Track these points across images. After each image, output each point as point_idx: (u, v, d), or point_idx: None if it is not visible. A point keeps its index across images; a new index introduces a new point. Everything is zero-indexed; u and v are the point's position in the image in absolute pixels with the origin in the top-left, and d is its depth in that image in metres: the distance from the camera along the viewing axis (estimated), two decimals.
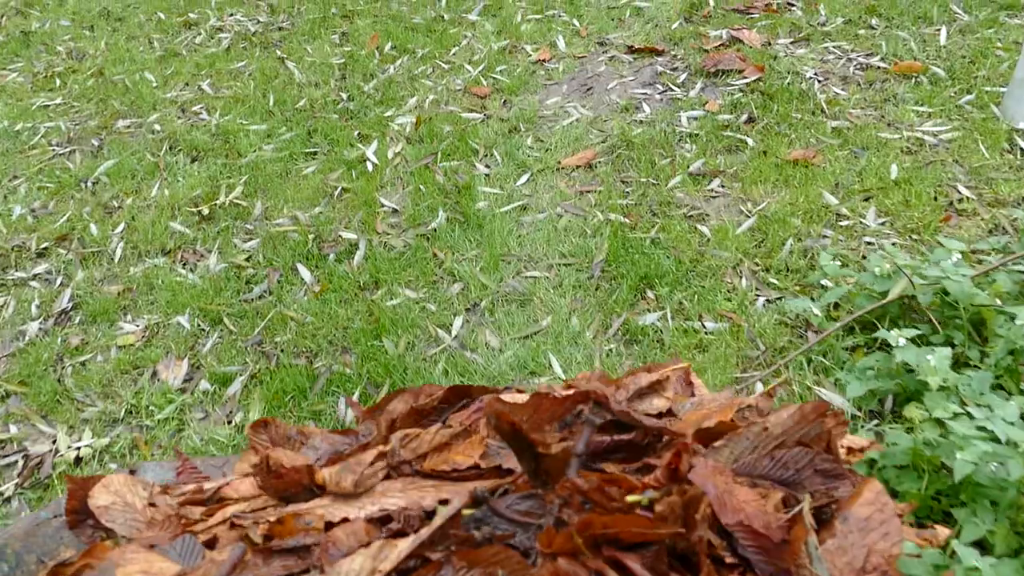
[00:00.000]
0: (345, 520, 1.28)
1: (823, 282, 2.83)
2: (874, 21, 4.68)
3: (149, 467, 1.63)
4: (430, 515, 1.25)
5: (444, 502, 1.27)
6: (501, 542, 1.12)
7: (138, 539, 1.40)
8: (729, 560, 1.16)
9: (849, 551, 1.22)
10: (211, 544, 1.34)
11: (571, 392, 1.46)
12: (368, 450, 1.39)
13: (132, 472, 1.62)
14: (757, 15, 4.94)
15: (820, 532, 1.25)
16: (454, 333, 3.12)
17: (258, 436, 1.57)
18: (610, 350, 2.92)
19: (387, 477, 1.40)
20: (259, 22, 5.72)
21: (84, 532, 1.53)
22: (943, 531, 1.44)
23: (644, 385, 1.64)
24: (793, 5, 5.01)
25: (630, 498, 1.18)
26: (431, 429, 1.44)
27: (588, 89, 4.49)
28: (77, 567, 1.40)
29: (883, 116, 3.92)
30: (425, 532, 1.09)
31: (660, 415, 1.60)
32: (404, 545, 1.08)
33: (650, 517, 1.13)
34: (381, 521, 1.22)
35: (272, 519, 1.29)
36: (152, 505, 1.53)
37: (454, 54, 5.01)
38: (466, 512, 1.13)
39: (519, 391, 1.63)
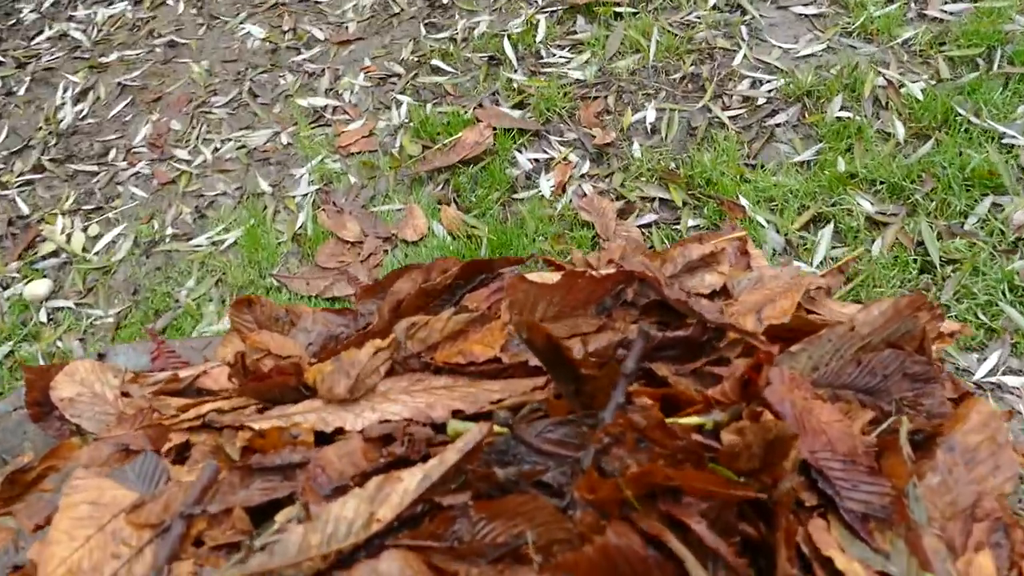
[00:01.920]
0: (339, 431, 1.06)
1: None
2: None
3: (120, 350, 1.41)
4: (440, 428, 1.03)
5: (457, 413, 1.04)
6: (529, 480, 0.89)
7: (108, 437, 1.20)
8: (808, 501, 0.94)
9: (953, 489, 1.00)
10: (184, 450, 1.13)
11: (612, 272, 1.20)
12: (366, 342, 1.15)
13: (100, 357, 1.41)
14: None
15: (918, 462, 1.02)
16: None
17: (241, 317, 1.34)
18: None
19: (391, 372, 1.17)
20: None
21: (51, 425, 1.33)
22: None
23: (695, 258, 1.39)
24: None
25: (690, 420, 0.95)
26: (443, 316, 1.20)
27: None
28: (38, 472, 1.21)
29: None
30: (435, 470, 0.87)
31: (713, 294, 1.36)
32: (408, 485, 0.86)
33: (715, 452, 0.90)
34: (382, 440, 0.99)
35: (254, 427, 1.07)
36: (125, 395, 1.33)
37: None
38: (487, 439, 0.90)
39: (548, 262, 1.38)
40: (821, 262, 2.15)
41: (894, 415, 1.09)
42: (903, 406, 1.11)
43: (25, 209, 3.27)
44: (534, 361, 1.12)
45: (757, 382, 0.94)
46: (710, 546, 0.79)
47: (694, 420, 0.95)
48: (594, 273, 1.19)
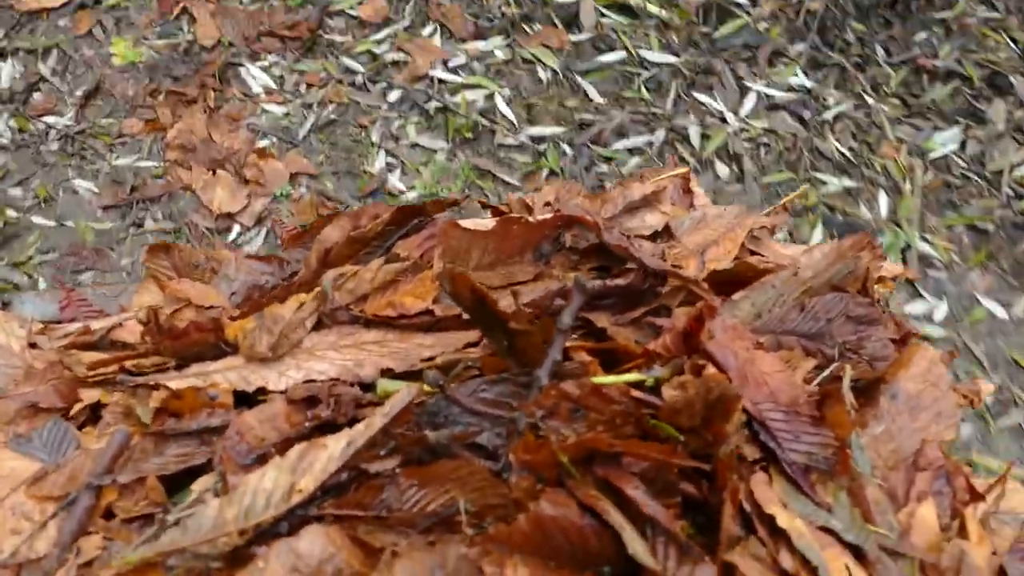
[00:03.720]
0: (262, 391, 1.00)
1: None
2: None
3: (27, 299, 1.32)
4: (368, 388, 0.98)
5: (387, 371, 0.99)
6: (462, 443, 0.85)
7: (14, 393, 1.12)
8: (750, 455, 0.91)
9: (896, 437, 0.98)
10: (96, 411, 1.06)
11: (549, 216, 1.15)
12: (290, 296, 1.09)
13: (4, 306, 1.31)
14: None
15: (860, 410, 1.00)
16: None
17: (158, 263, 1.26)
18: None
19: (318, 325, 1.11)
20: None
21: None
22: (984, 386, 1.21)
23: (636, 199, 1.33)
24: None
25: (629, 377, 0.91)
26: (372, 265, 1.14)
27: None
28: None
29: None
30: (360, 435, 0.81)
31: (655, 235, 1.31)
32: (333, 452, 0.81)
33: (655, 408, 0.86)
34: (307, 402, 0.94)
35: (170, 386, 1.01)
36: (32, 347, 1.24)
37: None
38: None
39: (484, 204, 1.32)
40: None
41: (837, 359, 1.07)
42: (845, 350, 1.09)
43: None
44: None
45: (699, 335, 0.90)
46: (648, 514, 0.76)
47: (634, 376, 0.91)
48: (530, 219, 1.13)
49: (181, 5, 2.91)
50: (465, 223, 1.13)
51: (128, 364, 1.08)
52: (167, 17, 2.91)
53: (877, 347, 1.09)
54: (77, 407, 1.05)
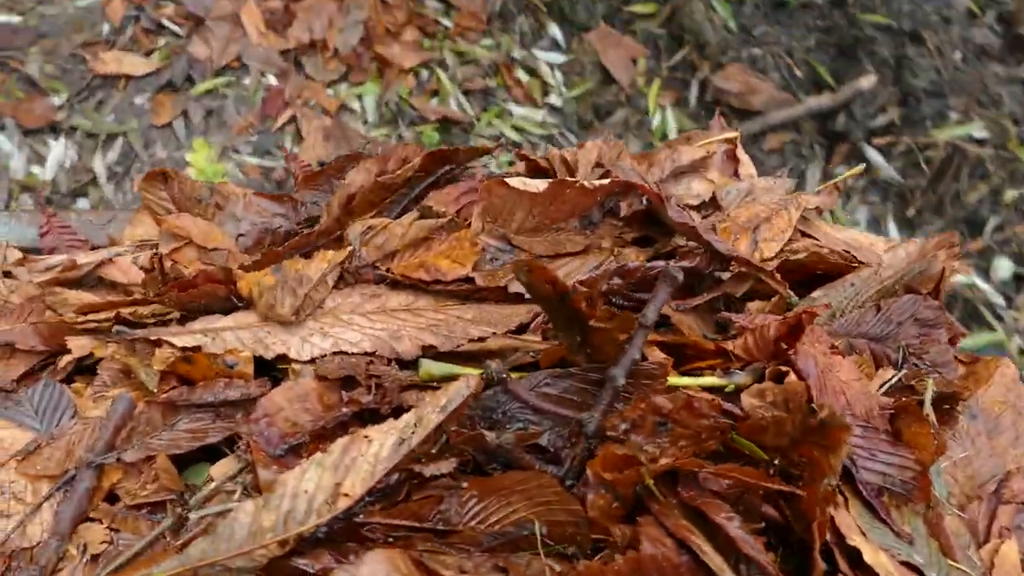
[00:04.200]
0: (282, 359, 0.88)
1: None
2: None
3: (1, 220, 1.17)
4: (405, 366, 0.87)
5: (428, 348, 0.88)
6: (523, 445, 0.75)
7: None
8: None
9: (974, 462, 0.91)
10: (84, 361, 0.94)
11: (606, 182, 1.04)
12: (313, 249, 0.97)
13: None
14: None
15: (938, 427, 0.92)
16: None
17: (155, 193, 1.12)
18: None
19: (339, 281, 0.99)
20: None
21: None
22: None
23: (684, 163, 1.23)
24: None
25: (707, 381, 0.82)
26: (404, 220, 1.02)
27: None
28: None
29: None
30: (413, 433, 0.71)
31: (702, 205, 1.21)
32: (381, 449, 0.70)
33: (734, 418, 0.77)
34: (341, 381, 0.82)
35: (175, 344, 0.89)
36: (8, 276, 1.10)
37: None
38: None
39: (522, 156, 1.19)
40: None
41: (900, 364, 0.99)
42: (909, 354, 1.01)
43: None
44: (514, 288, 0.95)
45: (792, 342, 0.81)
46: (744, 552, 0.67)
47: (711, 381, 0.82)
48: (585, 183, 1.01)
49: (290, 113, 2.24)
50: (512, 181, 1.01)
51: (124, 312, 0.96)
52: (268, 123, 2.25)
53: (940, 352, 1.02)
54: (66, 359, 0.92)
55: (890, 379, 0.94)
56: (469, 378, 0.76)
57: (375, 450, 0.72)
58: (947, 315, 1.06)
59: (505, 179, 1.02)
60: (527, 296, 0.93)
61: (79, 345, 0.94)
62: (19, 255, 1.09)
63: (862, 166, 1.32)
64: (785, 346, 0.81)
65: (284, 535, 0.66)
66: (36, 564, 0.69)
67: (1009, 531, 0.87)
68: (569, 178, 1.03)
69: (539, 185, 1.02)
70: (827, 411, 0.72)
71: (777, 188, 1.24)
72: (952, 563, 0.83)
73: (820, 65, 2.92)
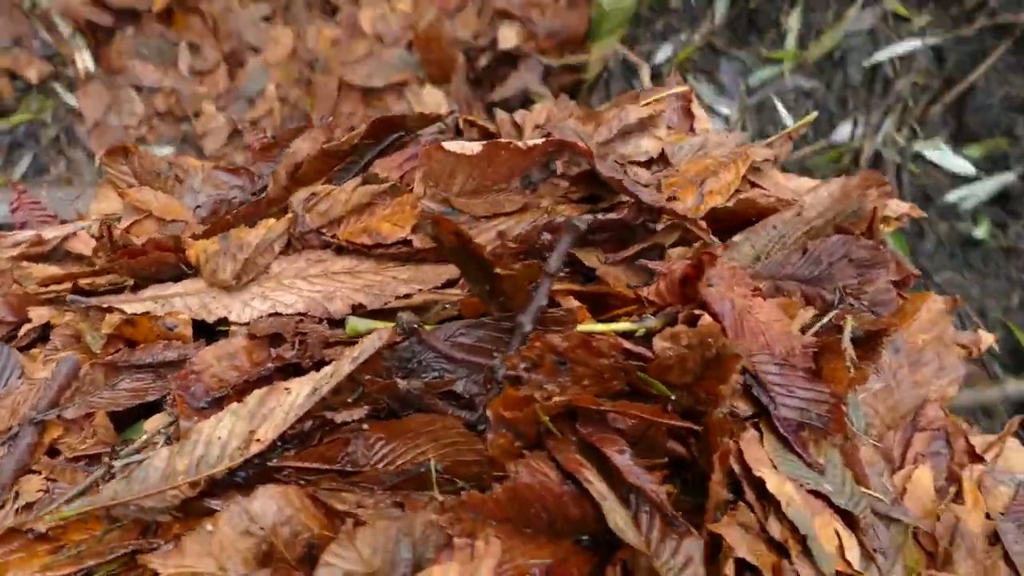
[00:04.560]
0: (223, 322, 0.93)
1: None
2: None
3: None
4: (337, 324, 0.91)
5: (358, 307, 0.92)
6: (436, 393, 0.79)
7: None
8: (742, 411, 0.85)
9: (895, 393, 0.93)
10: (45, 332, 0.99)
11: (539, 142, 1.06)
12: (262, 213, 1.01)
13: None
14: None
15: (860, 363, 0.94)
16: None
17: (116, 167, 1.17)
18: None
19: (287, 248, 1.04)
20: None
21: None
22: (985, 336, 1.16)
23: (632, 121, 1.25)
24: None
25: (618, 327, 0.85)
26: (347, 186, 1.05)
27: None
28: None
29: None
30: (325, 383, 0.75)
31: (651, 161, 1.23)
32: (296, 398, 0.75)
33: (644, 360, 0.80)
34: (271, 339, 0.87)
35: (124, 310, 0.94)
36: None
37: None
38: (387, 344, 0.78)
39: (470, 122, 1.22)
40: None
41: (837, 305, 1.01)
42: (846, 295, 1.03)
43: None
44: None
45: (697, 283, 0.84)
46: (633, 483, 0.71)
47: (624, 326, 0.85)
48: (519, 144, 1.04)
49: None
50: (450, 145, 1.04)
51: (82, 282, 1.01)
52: None
53: (879, 291, 1.03)
54: (26, 327, 0.98)
55: (815, 318, 0.96)
56: (382, 331, 0.79)
57: (291, 399, 0.76)
58: (889, 253, 1.07)
59: (443, 143, 1.05)
60: None
61: (39, 315, 0.99)
62: None
63: (813, 115, 1.33)
64: (691, 284, 0.84)
65: (196, 477, 0.71)
66: None
67: (924, 457, 0.89)
68: (503, 140, 1.06)
69: (475, 148, 1.05)
70: (720, 342, 0.75)
71: (729, 142, 1.26)
72: (864, 490, 0.85)
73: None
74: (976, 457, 0.94)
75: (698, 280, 0.84)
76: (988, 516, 0.92)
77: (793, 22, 2.64)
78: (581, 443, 0.74)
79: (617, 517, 0.67)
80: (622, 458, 0.71)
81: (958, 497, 0.91)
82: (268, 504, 0.65)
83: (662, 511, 0.70)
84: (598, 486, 0.68)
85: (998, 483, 0.97)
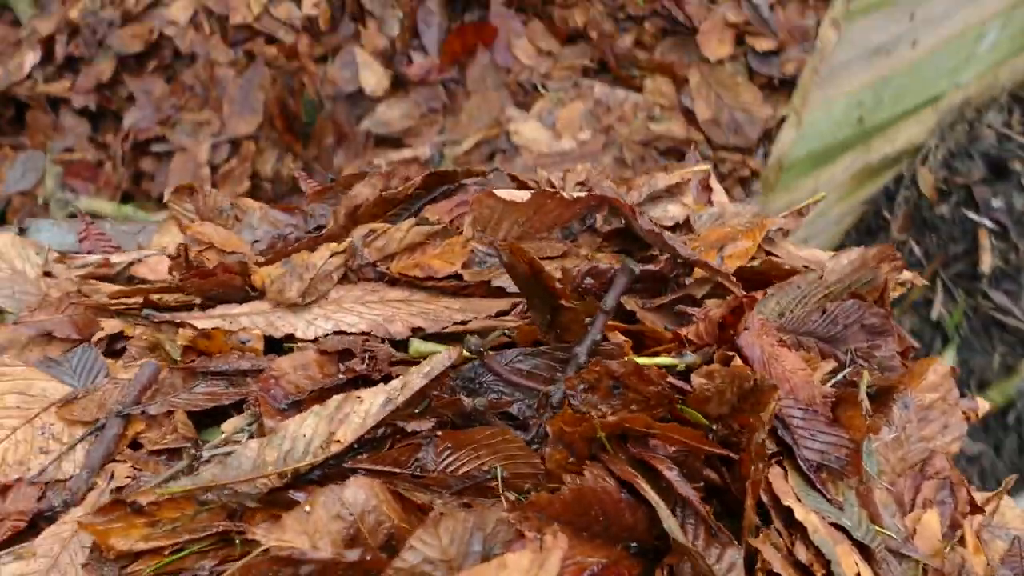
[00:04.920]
0: (290, 338, 1.00)
1: None
2: None
3: (43, 226, 1.31)
4: (399, 345, 0.99)
5: (417, 330, 1.00)
6: (496, 411, 0.86)
7: (29, 320, 1.11)
8: (768, 448, 0.93)
9: (905, 445, 1.01)
10: (116, 341, 1.06)
11: (583, 196, 1.16)
12: (319, 246, 1.09)
13: (22, 232, 1.30)
14: None
15: (873, 416, 1.03)
16: None
17: (181, 205, 1.25)
18: None
19: (343, 279, 1.11)
20: None
21: None
22: (982, 403, 1.25)
23: (660, 188, 1.35)
24: None
25: (662, 361, 0.93)
26: (403, 225, 1.14)
27: None
28: None
29: None
30: (399, 393, 0.82)
31: (676, 227, 1.33)
32: (371, 406, 0.82)
33: (684, 394, 0.88)
34: (339, 354, 0.94)
35: (196, 325, 1.01)
36: (48, 275, 1.23)
37: None
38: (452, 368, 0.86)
39: (513, 177, 1.32)
40: None
41: (849, 365, 1.10)
42: (857, 357, 1.12)
43: None
44: (497, 282, 1.07)
45: (735, 326, 0.92)
46: (680, 493, 0.78)
47: (666, 361, 0.93)
48: (565, 195, 1.14)
49: None
50: (500, 192, 1.13)
51: (152, 298, 1.08)
52: None
53: (886, 357, 1.12)
54: (98, 335, 1.05)
55: (832, 372, 1.05)
56: (451, 350, 0.87)
57: (366, 407, 0.83)
58: (895, 325, 1.17)
59: (493, 191, 1.15)
60: (508, 290, 1.05)
61: (111, 325, 1.06)
62: (58, 255, 1.22)
63: (823, 194, 1.44)
64: (728, 329, 0.92)
65: (283, 468, 0.77)
66: (69, 491, 0.81)
67: (931, 503, 0.97)
68: (550, 190, 1.16)
69: (523, 196, 1.14)
70: (759, 376, 0.83)
71: (745, 212, 1.36)
72: (878, 528, 0.93)
73: None
74: (976, 508, 1.02)
75: (735, 323, 0.92)
76: (989, 564, 1.00)
77: None
78: (632, 460, 0.81)
79: (670, 520, 0.74)
80: (672, 473, 0.78)
81: (961, 542, 0.98)
82: (358, 493, 0.72)
83: (706, 521, 0.77)
84: (652, 493, 0.75)
85: (995, 536, 1.05)
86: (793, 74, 2.59)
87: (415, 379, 0.84)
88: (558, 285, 0.85)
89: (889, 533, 0.93)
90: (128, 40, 2.40)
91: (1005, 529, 1.05)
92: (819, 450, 0.96)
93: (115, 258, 1.20)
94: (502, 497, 0.77)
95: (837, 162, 2.37)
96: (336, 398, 0.83)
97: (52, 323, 1.11)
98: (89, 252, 1.26)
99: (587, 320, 0.88)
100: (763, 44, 2.68)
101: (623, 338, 0.94)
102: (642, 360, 0.92)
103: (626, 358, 0.85)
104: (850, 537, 0.90)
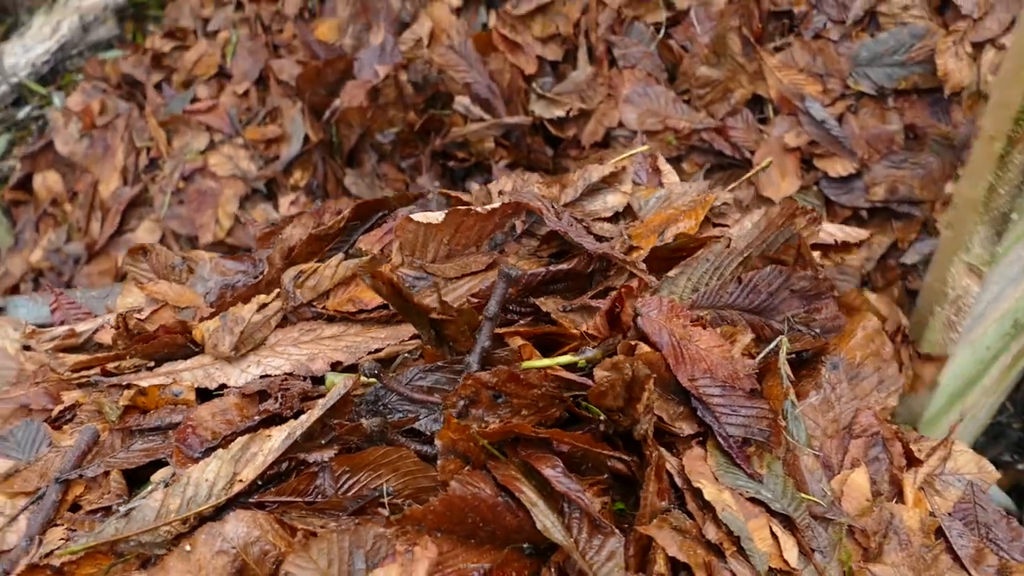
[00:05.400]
0: (224, 387, 1.05)
1: None
2: None
3: (21, 303, 1.39)
4: (319, 382, 1.03)
5: (336, 364, 1.03)
6: (399, 430, 0.89)
7: (6, 396, 1.19)
8: (687, 430, 0.94)
9: (835, 406, 1.00)
10: (74, 411, 1.13)
11: (496, 206, 1.18)
12: (254, 296, 1.14)
13: (0, 311, 1.39)
14: None
15: (801, 381, 1.02)
16: None
17: (137, 265, 1.32)
18: None
19: (283, 323, 1.16)
20: None
21: None
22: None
23: (596, 180, 1.36)
24: None
25: (560, 360, 0.95)
26: (331, 261, 1.18)
27: None
28: None
29: None
30: (299, 427, 0.86)
31: (616, 216, 1.34)
32: (274, 443, 0.86)
33: (585, 389, 0.90)
34: (259, 395, 0.99)
35: (139, 384, 1.07)
36: (27, 349, 1.32)
37: None
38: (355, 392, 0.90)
39: (446, 195, 1.35)
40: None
41: (785, 333, 1.09)
42: (795, 324, 1.11)
43: None
44: None
45: (623, 314, 0.93)
46: (561, 491, 0.80)
47: (566, 359, 0.94)
48: (479, 209, 1.16)
49: None
50: (418, 216, 1.16)
51: (109, 366, 1.15)
52: None
53: (827, 319, 1.11)
54: (58, 408, 1.12)
55: (758, 344, 1.04)
56: (347, 378, 0.91)
57: (270, 444, 0.88)
58: (829, 281, 1.15)
59: (412, 215, 1.18)
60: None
61: (71, 397, 1.13)
62: (32, 330, 1.31)
63: (770, 159, 1.42)
64: (618, 317, 0.94)
65: (186, 514, 0.82)
66: (9, 561, 0.87)
67: (860, 461, 0.96)
68: (462, 206, 1.18)
69: (440, 216, 1.17)
70: (634, 365, 0.85)
71: (692, 191, 1.36)
72: (804, 496, 0.93)
73: None
74: (916, 461, 1.00)
75: (622, 311, 0.93)
76: (933, 515, 0.98)
77: None
78: (521, 464, 0.83)
79: (545, 520, 0.76)
80: (552, 471, 0.80)
81: (900, 497, 0.97)
82: (238, 526, 0.76)
83: (588, 514, 0.79)
84: (528, 494, 0.77)
85: (948, 485, 1.03)
86: (884, 198, 1.94)
87: (315, 411, 0.88)
88: (425, 301, 0.88)
89: (815, 499, 0.92)
90: (96, 278, 2.42)
91: (958, 475, 1.04)
92: (742, 424, 0.96)
93: (80, 327, 1.27)
94: (384, 513, 0.80)
95: (986, 375, 1.90)
96: (241, 439, 0.87)
97: (28, 397, 1.18)
98: (61, 322, 1.34)
99: (472, 328, 0.91)
100: (838, 167, 1.96)
101: (522, 341, 0.96)
102: (540, 362, 0.94)
103: (499, 367, 0.87)
104: (769, 509, 0.90)
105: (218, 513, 0.84)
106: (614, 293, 0.95)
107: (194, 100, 2.68)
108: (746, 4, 2.11)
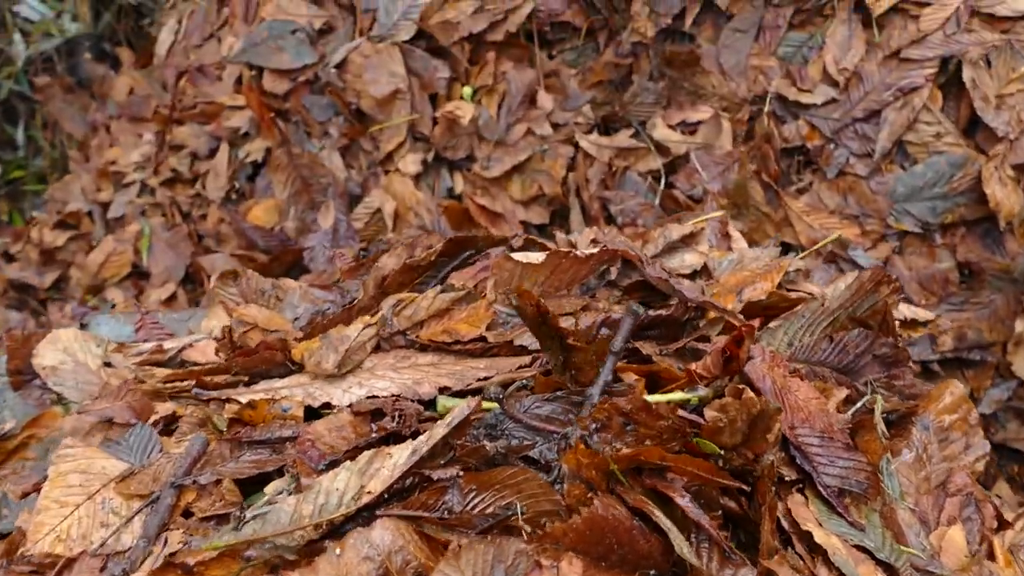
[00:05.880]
0: (327, 406, 1.07)
1: None
2: None
3: (103, 321, 1.41)
4: (428, 405, 1.05)
5: (444, 389, 1.06)
6: (518, 455, 0.91)
7: (91, 408, 1.20)
8: (787, 476, 0.96)
9: (927, 465, 1.03)
10: (171, 422, 1.14)
11: (594, 252, 1.22)
12: (353, 319, 1.16)
13: (83, 327, 1.40)
14: None
15: (892, 440, 1.05)
16: None
17: (226, 290, 1.34)
18: None
19: (376, 349, 1.18)
20: None
21: (31, 394, 1.34)
22: None
23: (675, 239, 1.41)
24: None
25: (674, 396, 0.98)
26: (428, 293, 1.21)
27: None
28: (20, 440, 1.22)
29: None
30: (424, 444, 0.88)
31: (694, 274, 1.38)
32: (399, 459, 0.88)
33: (698, 428, 0.92)
34: (372, 414, 1.01)
35: (241, 400, 1.08)
36: (108, 365, 1.33)
37: None
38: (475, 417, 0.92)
39: (531, 241, 1.39)
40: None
41: (868, 395, 1.12)
42: (877, 388, 1.15)
43: None
44: (520, 340, 1.13)
45: (738, 356, 0.97)
46: (693, 519, 0.82)
47: (678, 396, 0.97)
48: (578, 253, 1.20)
49: None
50: (517, 256, 1.20)
51: (203, 379, 1.16)
52: None
53: (906, 386, 1.15)
54: (152, 418, 1.13)
55: (848, 400, 1.08)
56: (471, 400, 0.93)
57: (394, 460, 0.89)
58: (907, 351, 1.19)
59: (511, 254, 1.21)
60: (530, 347, 1.11)
61: (165, 408, 1.14)
62: (116, 346, 1.32)
63: (839, 233, 1.48)
64: (733, 360, 0.97)
65: (319, 520, 0.83)
66: (128, 560, 0.88)
67: (956, 519, 0.98)
68: (563, 249, 1.22)
69: (539, 257, 1.21)
70: (763, 401, 0.87)
71: (764, 256, 1.41)
72: (904, 548, 0.95)
73: None
74: (1006, 524, 1.03)
75: (738, 352, 0.96)
76: None
77: None
78: (647, 490, 0.85)
79: (682, 544, 0.78)
80: (683, 500, 0.82)
81: (990, 557, 0.99)
82: (384, 534, 0.77)
83: (719, 545, 0.81)
84: (664, 519, 0.79)
85: None
86: (954, 347, 1.77)
87: (439, 430, 0.90)
88: (565, 326, 0.91)
89: (915, 552, 0.95)
90: None
91: None
92: (839, 475, 0.98)
93: (168, 344, 1.29)
94: (522, 530, 0.81)
95: None
96: (367, 453, 0.89)
97: (112, 410, 1.19)
98: (145, 340, 1.36)
99: (598, 359, 0.94)
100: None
101: (635, 377, 0.99)
102: (655, 397, 0.97)
103: (634, 396, 0.89)
104: (874, 558, 0.92)
105: (346, 522, 0.85)
106: (729, 335, 0.99)
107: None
108: (759, 146, 1.98)
